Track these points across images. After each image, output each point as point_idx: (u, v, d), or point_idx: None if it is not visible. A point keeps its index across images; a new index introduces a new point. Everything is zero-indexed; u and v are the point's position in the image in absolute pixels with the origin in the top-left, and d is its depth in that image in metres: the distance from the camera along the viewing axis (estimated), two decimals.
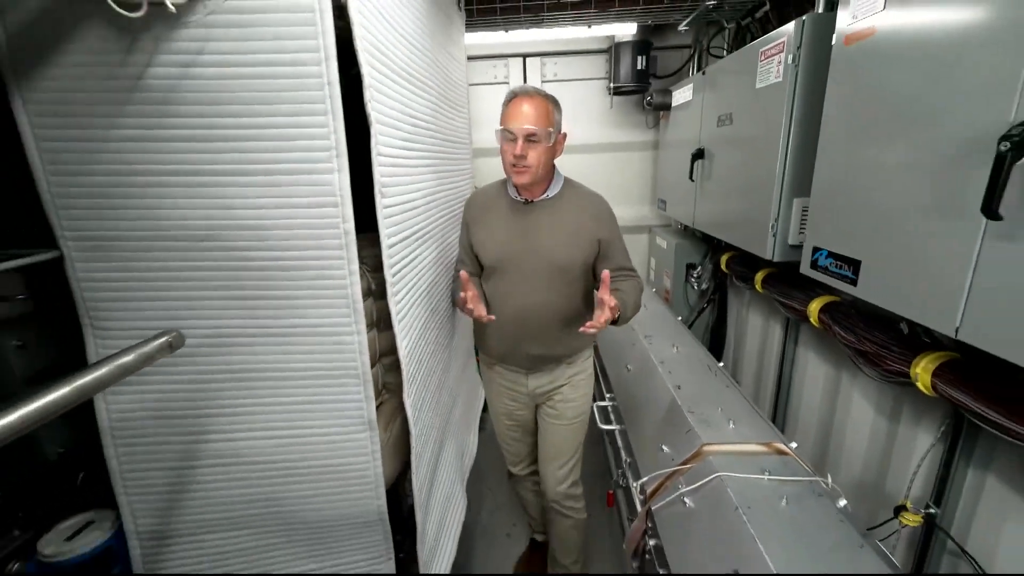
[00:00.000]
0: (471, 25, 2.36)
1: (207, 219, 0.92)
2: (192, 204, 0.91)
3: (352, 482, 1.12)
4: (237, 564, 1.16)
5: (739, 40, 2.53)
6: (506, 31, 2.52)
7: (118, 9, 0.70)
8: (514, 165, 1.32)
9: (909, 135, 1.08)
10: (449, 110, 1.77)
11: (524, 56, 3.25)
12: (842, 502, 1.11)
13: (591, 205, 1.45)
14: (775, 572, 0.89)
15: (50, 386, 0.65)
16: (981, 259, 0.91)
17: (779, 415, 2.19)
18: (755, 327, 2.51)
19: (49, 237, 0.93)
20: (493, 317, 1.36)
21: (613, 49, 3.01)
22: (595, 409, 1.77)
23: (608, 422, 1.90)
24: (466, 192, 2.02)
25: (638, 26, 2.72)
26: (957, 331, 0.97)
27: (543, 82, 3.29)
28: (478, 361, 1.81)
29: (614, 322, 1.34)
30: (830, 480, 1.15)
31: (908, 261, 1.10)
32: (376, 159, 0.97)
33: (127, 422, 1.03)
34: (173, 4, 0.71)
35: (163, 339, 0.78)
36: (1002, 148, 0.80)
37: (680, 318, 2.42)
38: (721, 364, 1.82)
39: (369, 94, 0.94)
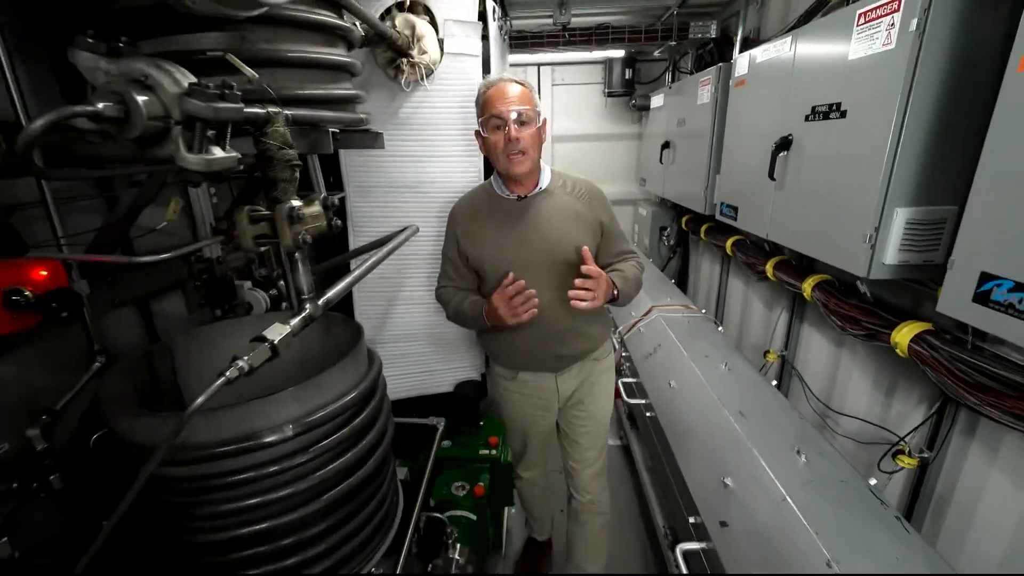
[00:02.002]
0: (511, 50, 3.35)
1: (415, 177, 1.93)
2: (410, 170, 1.92)
3: None
4: (404, 362, 2.20)
5: (698, 61, 3.54)
6: (531, 54, 3.51)
7: (404, 88, 1.72)
8: (509, 154, 1.25)
9: (752, 140, 2.13)
10: None
11: (539, 65, 4.23)
12: (720, 328, 2.19)
13: (584, 190, 1.43)
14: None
15: (358, 263, 1.57)
16: (772, 198, 1.96)
17: (719, 317, 3.28)
18: (705, 267, 3.58)
19: (337, 185, 1.95)
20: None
21: (607, 62, 4.00)
22: None
23: None
24: None
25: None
26: (767, 235, 2.03)
27: (553, 86, 4.27)
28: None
29: (613, 300, 1.34)
30: (721, 329, 2.22)
31: (753, 203, 2.16)
32: None
33: (363, 281, 2.07)
34: (424, 82, 1.72)
35: (412, 228, 1.81)
36: (774, 146, 1.84)
37: (652, 260, 3.49)
38: (673, 280, 2.89)
39: None
